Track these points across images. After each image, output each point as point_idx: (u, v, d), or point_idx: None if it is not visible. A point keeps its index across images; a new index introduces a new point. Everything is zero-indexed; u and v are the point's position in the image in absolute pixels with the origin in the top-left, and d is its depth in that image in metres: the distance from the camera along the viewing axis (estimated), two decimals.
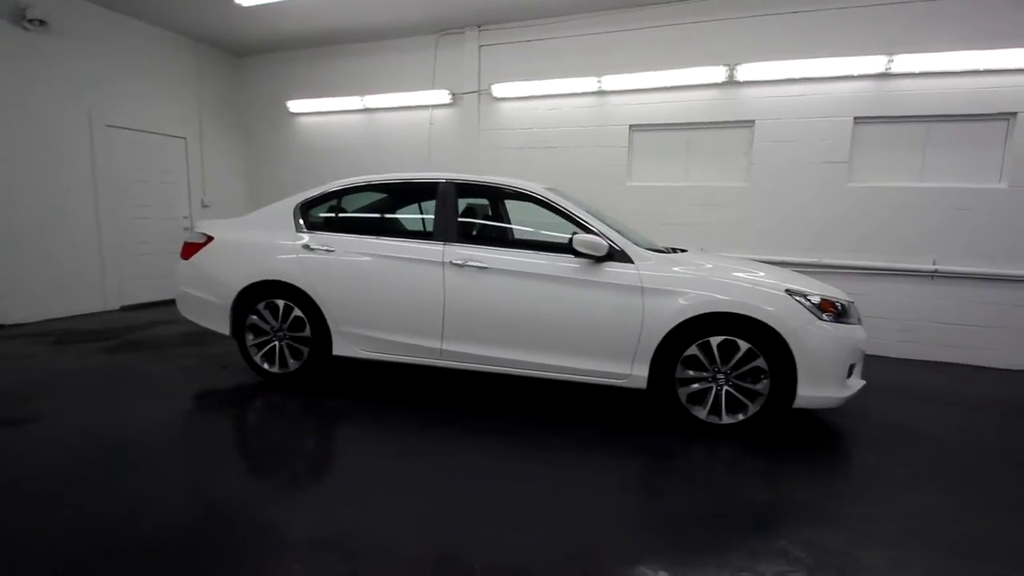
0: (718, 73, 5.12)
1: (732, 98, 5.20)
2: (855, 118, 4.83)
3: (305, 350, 3.57)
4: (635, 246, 3.14)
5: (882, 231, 4.85)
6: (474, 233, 3.57)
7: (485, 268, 3.21)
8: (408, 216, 3.88)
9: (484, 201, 3.87)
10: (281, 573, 1.77)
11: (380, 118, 6.87)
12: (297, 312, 3.53)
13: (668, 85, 5.35)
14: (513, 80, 5.95)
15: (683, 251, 3.56)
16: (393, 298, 3.36)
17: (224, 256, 3.70)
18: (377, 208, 3.88)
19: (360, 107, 6.87)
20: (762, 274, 3.12)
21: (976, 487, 2.52)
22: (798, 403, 2.86)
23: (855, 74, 4.73)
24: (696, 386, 2.99)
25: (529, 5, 5.51)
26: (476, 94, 6.21)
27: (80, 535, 1.94)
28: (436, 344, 3.32)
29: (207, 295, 3.73)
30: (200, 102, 7.14)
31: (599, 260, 3.07)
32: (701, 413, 2.99)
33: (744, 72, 5.03)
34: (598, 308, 3.05)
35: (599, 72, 5.56)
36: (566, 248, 3.18)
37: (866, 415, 3.34)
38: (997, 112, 4.43)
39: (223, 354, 4.40)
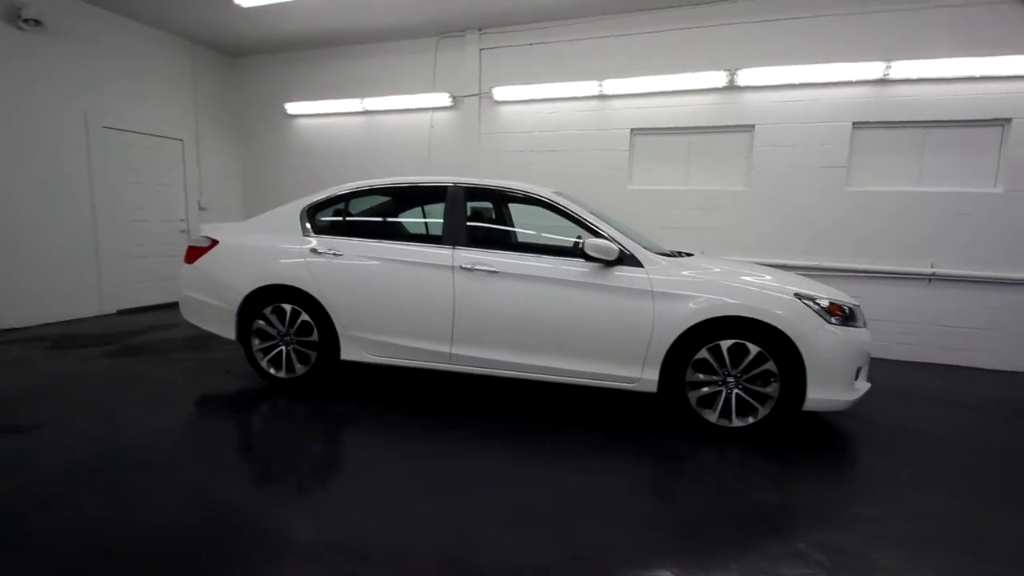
0: (719, 78, 5.17)
1: (733, 103, 5.26)
2: (854, 123, 4.90)
3: (312, 355, 3.55)
4: (645, 250, 3.16)
5: (881, 235, 4.92)
6: (483, 237, 3.56)
7: (495, 272, 3.22)
8: (416, 220, 3.87)
9: (488, 204, 3.87)
10: None
11: (379, 120, 6.86)
12: (304, 317, 3.51)
13: (669, 89, 5.40)
14: (514, 83, 5.97)
15: (689, 255, 3.58)
16: (402, 302, 3.35)
17: (230, 260, 3.68)
18: (384, 212, 3.88)
19: (359, 109, 6.85)
20: (769, 278, 3.16)
21: (982, 488, 2.56)
22: (807, 406, 2.89)
23: (854, 80, 4.80)
24: (706, 389, 3.02)
25: (530, 9, 5.53)
26: (477, 97, 6.22)
27: (88, 541, 1.92)
28: (445, 348, 3.32)
29: (212, 299, 3.70)
30: (197, 104, 7.08)
31: (609, 264, 3.08)
32: (711, 416, 3.02)
33: (744, 77, 5.09)
34: (609, 312, 3.06)
35: (600, 76, 5.59)
36: (576, 252, 3.21)
37: (870, 417, 3.39)
38: (993, 118, 4.52)
39: (225, 358, 4.37)
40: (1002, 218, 4.56)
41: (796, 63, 4.92)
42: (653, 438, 3.02)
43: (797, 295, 2.93)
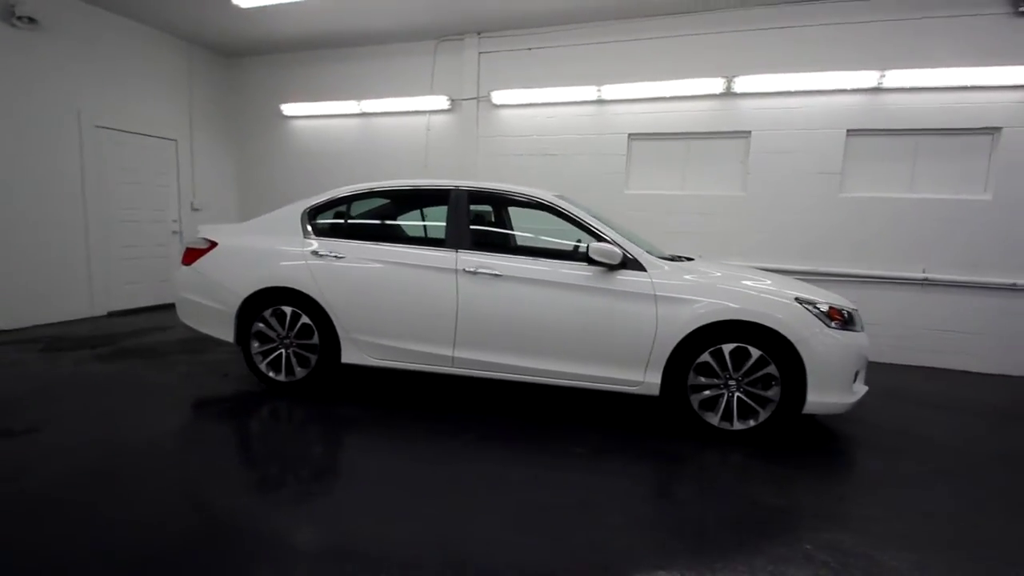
0: (716, 84, 5.23)
1: (729, 109, 5.32)
2: (848, 130, 4.98)
3: (313, 358, 3.52)
4: (647, 254, 3.18)
5: (874, 240, 5.00)
6: (486, 240, 3.57)
7: (498, 276, 3.22)
8: (419, 223, 3.87)
9: (491, 208, 3.87)
10: None
11: (376, 123, 6.84)
12: (305, 319, 3.49)
13: (667, 95, 5.45)
14: (512, 87, 5.99)
15: (689, 259, 3.61)
16: (405, 305, 3.35)
17: (229, 262, 3.64)
18: (387, 215, 3.87)
19: (356, 111, 6.83)
20: (769, 282, 3.19)
21: (982, 490, 2.61)
22: (807, 409, 2.92)
23: (848, 88, 4.88)
24: (708, 393, 3.04)
25: (529, 14, 5.56)
26: (475, 100, 6.23)
27: (87, 546, 1.89)
28: (448, 352, 3.32)
29: (210, 301, 3.66)
30: (191, 104, 7.02)
31: (613, 268, 3.10)
32: (713, 419, 3.04)
33: (741, 84, 5.15)
34: (613, 316, 3.08)
35: (599, 81, 5.63)
36: (579, 256, 3.25)
37: (867, 420, 3.43)
38: (983, 126, 4.62)
39: (221, 361, 4.32)
40: (992, 224, 4.66)
41: (792, 71, 4.99)
42: (656, 441, 3.04)
43: (798, 299, 2.96)
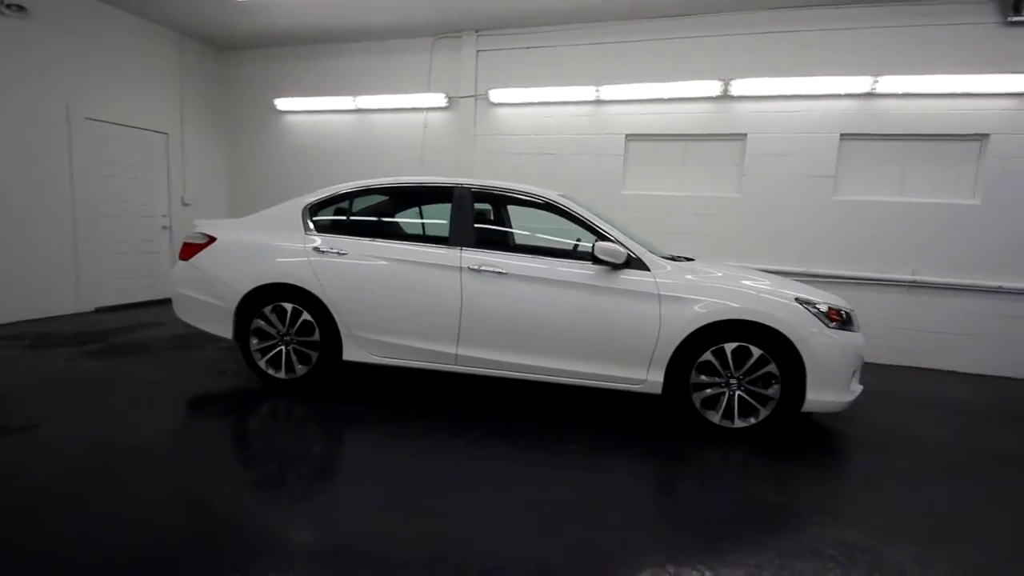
0: (713, 87, 5.29)
1: (726, 112, 5.38)
2: (841, 134, 5.07)
3: (313, 355, 3.49)
4: (650, 254, 3.21)
5: (865, 243, 5.10)
6: (490, 238, 3.57)
7: (502, 274, 3.23)
8: (422, 221, 3.86)
9: (494, 206, 3.87)
10: None
11: (372, 119, 6.80)
12: (306, 316, 3.46)
13: (665, 97, 5.50)
14: (510, 86, 5.99)
15: (689, 259, 3.65)
16: (409, 302, 3.33)
17: (228, 258, 3.60)
18: (390, 212, 3.85)
19: (352, 107, 6.77)
20: (768, 283, 3.24)
21: (979, 485, 2.68)
22: (806, 407, 2.98)
23: (842, 93, 4.98)
24: (709, 391, 3.08)
25: (528, 13, 5.57)
26: (472, 99, 6.22)
27: (87, 545, 1.85)
28: (451, 349, 3.31)
29: (208, 297, 3.61)
30: (183, 97, 6.90)
31: (616, 268, 3.13)
32: (714, 417, 3.08)
33: (738, 87, 5.22)
34: (616, 314, 3.10)
35: (597, 82, 5.66)
36: (582, 254, 3.28)
37: (859, 418, 3.50)
38: (972, 133, 4.74)
39: (215, 358, 4.27)
40: (980, 228, 4.78)
41: (788, 75, 5.07)
42: (658, 439, 3.07)
43: (798, 300, 3.01)
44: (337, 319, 3.42)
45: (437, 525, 2.09)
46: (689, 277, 3.15)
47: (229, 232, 3.69)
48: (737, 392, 3.05)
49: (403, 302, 3.35)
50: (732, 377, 3.04)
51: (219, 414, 3.20)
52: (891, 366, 5.04)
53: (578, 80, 5.74)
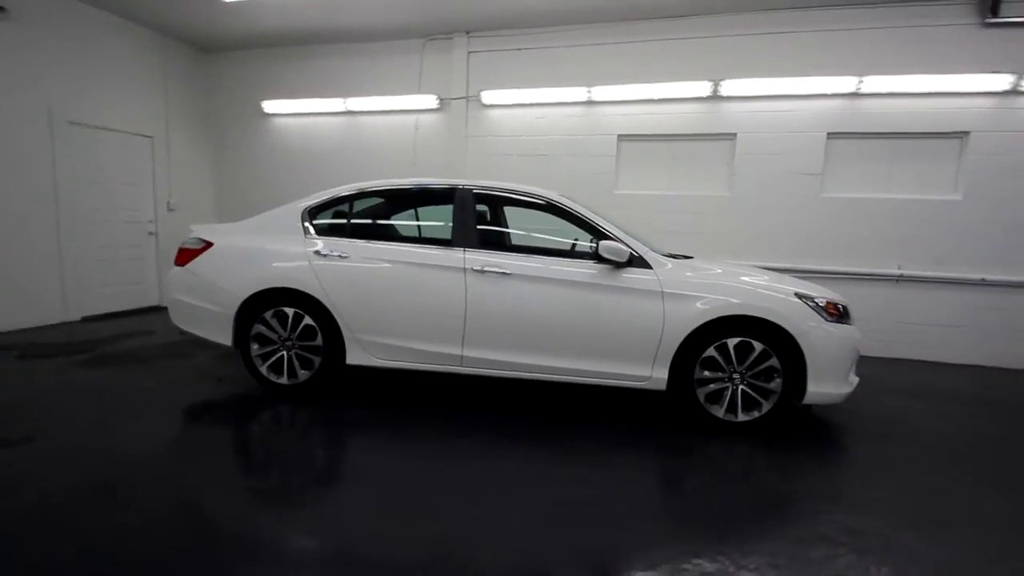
0: (703, 88, 5.38)
1: (716, 112, 5.47)
2: (828, 133, 5.20)
3: (316, 360, 3.46)
4: (652, 252, 3.26)
5: (853, 238, 5.23)
6: (493, 239, 3.58)
7: (506, 274, 3.24)
8: (424, 222, 3.85)
9: (495, 207, 3.88)
10: None
11: (362, 121, 6.76)
12: (308, 320, 3.43)
13: (656, 97, 5.57)
14: (502, 87, 6.01)
15: (688, 257, 3.70)
16: (413, 305, 3.33)
17: (226, 263, 3.55)
18: (390, 214, 3.84)
19: (342, 109, 6.73)
20: (766, 278, 3.31)
21: (976, 471, 2.77)
22: (807, 399, 3.04)
23: (829, 92, 5.10)
24: (713, 386, 3.13)
25: (518, 14, 5.59)
26: (464, 100, 6.23)
27: (91, 558, 1.82)
28: (457, 351, 3.31)
29: (206, 303, 3.56)
30: (167, 99, 6.78)
31: (619, 266, 3.16)
32: (718, 412, 3.13)
33: (727, 87, 5.31)
34: (621, 312, 3.14)
35: (589, 83, 5.71)
36: (582, 254, 3.31)
37: (854, 410, 3.58)
38: (953, 131, 4.90)
39: (210, 365, 4.20)
40: (962, 223, 4.94)
41: (776, 75, 5.18)
42: (665, 434, 3.12)
43: (797, 295, 3.08)
44: (340, 323, 3.40)
45: (447, 528, 2.09)
46: (690, 274, 3.20)
47: (226, 237, 3.64)
48: (740, 387, 3.11)
49: (407, 304, 3.34)
50: (735, 372, 3.10)
51: (221, 422, 3.16)
52: (881, 359, 5.17)
53: (570, 81, 5.79)
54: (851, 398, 3.15)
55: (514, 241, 3.88)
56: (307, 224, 3.56)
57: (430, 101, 6.33)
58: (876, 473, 2.72)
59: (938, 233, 5.01)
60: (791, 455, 2.89)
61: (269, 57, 6.95)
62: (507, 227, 3.95)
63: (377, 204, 3.80)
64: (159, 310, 6.49)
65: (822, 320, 3.03)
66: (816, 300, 3.09)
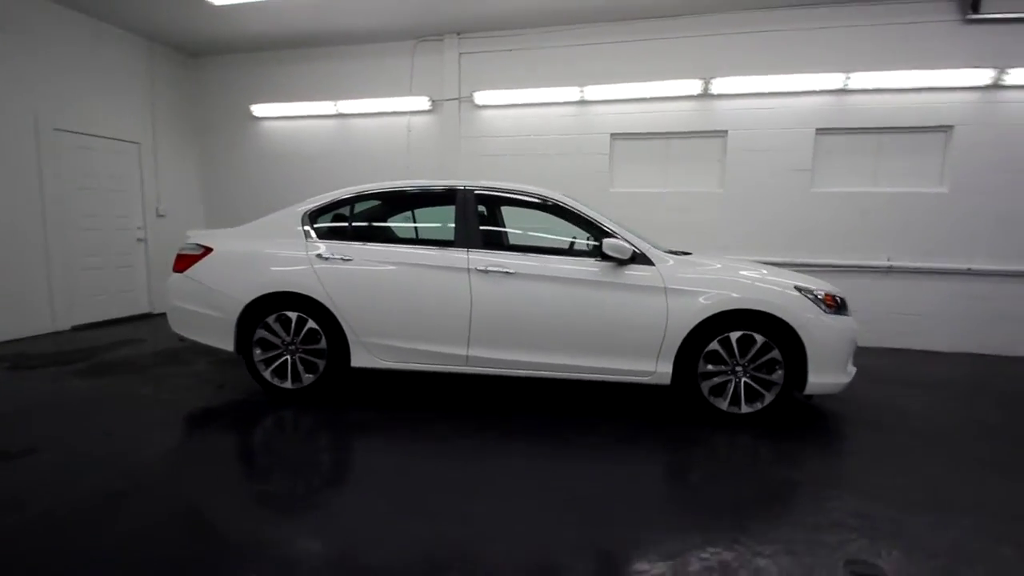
0: (694, 86, 5.45)
1: (707, 109, 5.55)
2: (817, 129, 5.30)
3: (320, 363, 3.45)
4: (654, 249, 3.30)
5: (843, 232, 5.34)
6: (496, 239, 3.60)
7: (510, 273, 3.26)
8: (427, 224, 3.85)
9: (496, 207, 3.90)
10: None
11: (354, 124, 6.73)
12: (311, 324, 3.41)
13: (648, 96, 5.63)
14: (494, 88, 6.03)
15: (687, 253, 3.75)
16: (418, 306, 3.33)
17: (227, 268, 3.52)
18: (392, 215, 3.83)
19: (333, 112, 6.69)
20: (765, 271, 3.37)
21: (969, 454, 2.85)
22: (808, 390, 3.11)
23: (817, 89, 5.20)
24: (716, 379, 3.18)
25: (509, 15, 5.61)
26: (456, 101, 6.23)
27: (105, 572, 1.81)
28: (462, 351, 3.32)
29: (207, 309, 3.53)
30: (154, 105, 6.69)
31: (622, 263, 3.20)
32: (722, 404, 3.18)
33: (718, 85, 5.39)
34: (625, 309, 3.17)
35: (581, 82, 5.75)
36: (583, 252, 3.34)
37: (850, 399, 3.65)
38: (938, 125, 5.03)
39: (210, 372, 4.16)
40: (948, 215, 5.07)
41: (766, 73, 5.26)
42: (671, 428, 3.16)
43: (797, 287, 3.15)
44: (344, 325, 3.39)
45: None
46: (691, 270, 3.25)
47: (226, 242, 3.61)
48: (743, 379, 3.16)
49: (412, 306, 3.34)
50: (738, 365, 3.15)
51: (227, 428, 3.13)
52: (874, 348, 5.27)
53: (562, 81, 5.82)
54: (847, 388, 3.22)
55: (516, 241, 3.90)
56: (308, 228, 3.55)
57: (422, 103, 6.32)
58: (880, 459, 2.79)
59: (925, 225, 5.13)
60: (795, 444, 2.95)
61: (258, 61, 6.88)
62: (514, 228, 3.97)
63: (378, 206, 3.80)
64: (149, 317, 6.40)
65: (821, 312, 3.10)
66: (815, 292, 3.15)
